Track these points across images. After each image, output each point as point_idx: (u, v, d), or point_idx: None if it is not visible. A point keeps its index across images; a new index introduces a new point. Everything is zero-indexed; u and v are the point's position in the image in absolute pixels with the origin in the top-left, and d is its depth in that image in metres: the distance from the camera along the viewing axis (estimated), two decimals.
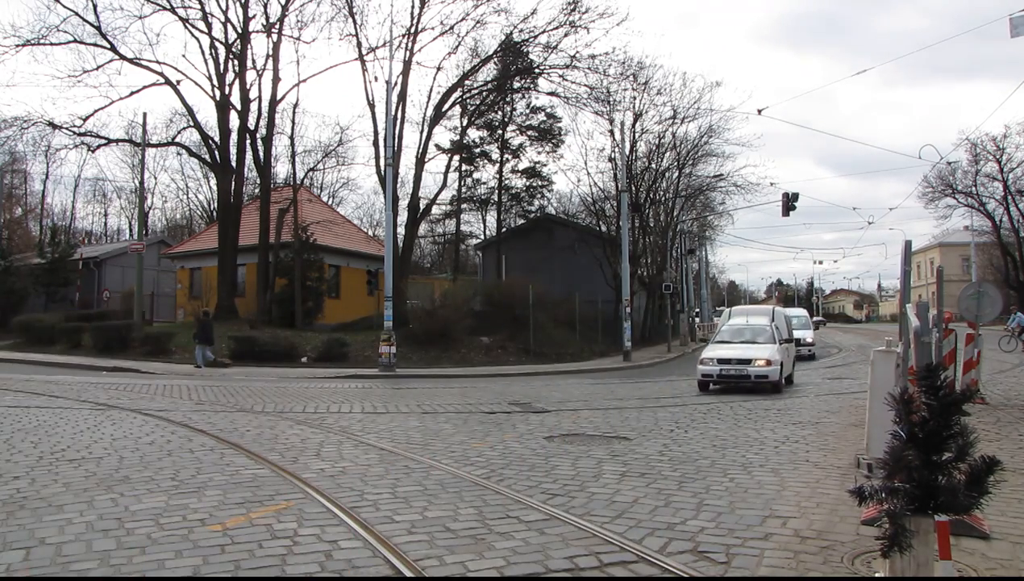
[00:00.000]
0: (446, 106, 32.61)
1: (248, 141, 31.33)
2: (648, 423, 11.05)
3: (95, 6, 28.53)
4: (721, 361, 15.71)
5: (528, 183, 43.28)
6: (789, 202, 28.99)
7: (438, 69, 33.13)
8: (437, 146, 35.90)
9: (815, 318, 61.45)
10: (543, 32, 30.48)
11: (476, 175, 43.36)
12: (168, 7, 29.45)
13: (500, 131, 40.29)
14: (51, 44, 29.02)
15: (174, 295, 37.16)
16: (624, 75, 32.63)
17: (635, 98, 35.25)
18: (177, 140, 35.29)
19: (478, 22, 30.12)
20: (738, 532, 5.38)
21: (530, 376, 21.73)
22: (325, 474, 7.18)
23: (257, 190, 35.49)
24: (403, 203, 31.45)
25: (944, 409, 3.91)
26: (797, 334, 25.86)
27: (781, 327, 18.46)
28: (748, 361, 15.51)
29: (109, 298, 37.18)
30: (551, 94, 34.14)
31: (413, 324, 26.41)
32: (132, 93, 31.72)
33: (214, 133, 31.60)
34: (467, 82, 33.01)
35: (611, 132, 35.41)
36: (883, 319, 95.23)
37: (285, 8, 30.24)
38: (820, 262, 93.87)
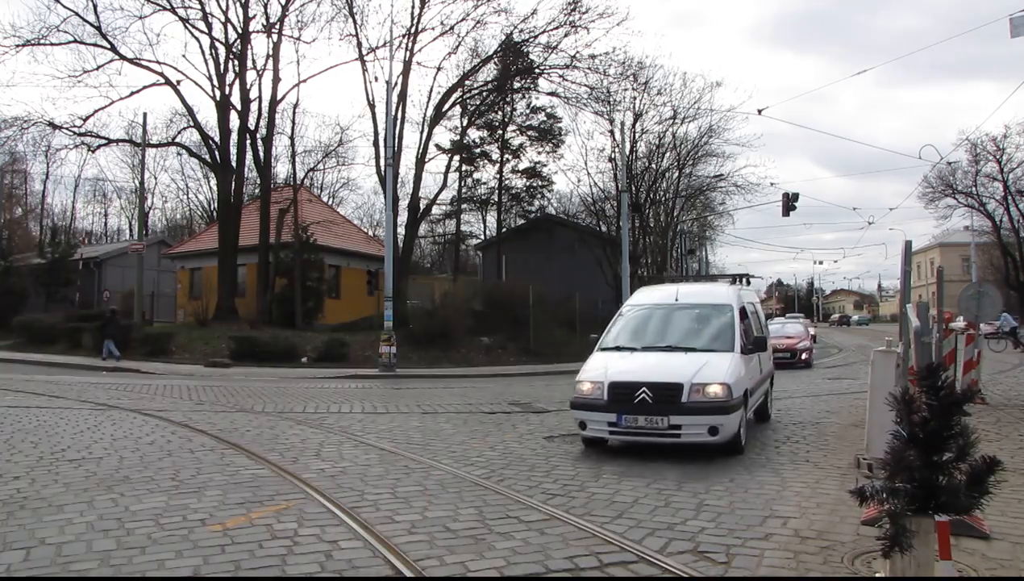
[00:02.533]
0: (446, 106, 32.58)
1: (248, 141, 31.30)
2: None
3: (95, 6, 28.51)
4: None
5: (528, 183, 43.22)
6: (789, 202, 28.93)
7: (438, 69, 33.09)
8: (437, 146, 35.89)
9: (794, 317, 43.00)
10: (543, 32, 30.47)
11: (476, 175, 43.32)
12: (168, 7, 29.42)
13: (500, 131, 40.22)
14: (51, 44, 28.97)
15: (174, 295, 37.14)
16: (624, 75, 32.60)
17: (635, 98, 35.22)
18: (177, 140, 35.30)
19: (478, 22, 30.10)
20: (738, 532, 5.38)
21: (530, 376, 21.70)
22: (325, 474, 7.19)
23: (257, 190, 35.47)
24: (403, 203, 31.43)
25: (945, 409, 3.91)
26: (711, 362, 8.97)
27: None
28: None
29: (109, 298, 37.12)
30: (551, 94, 34.13)
31: (413, 324, 26.38)
32: (132, 93, 31.74)
33: (214, 133, 31.60)
34: (467, 82, 32.97)
35: (611, 132, 35.39)
36: (883, 319, 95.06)
37: (285, 8, 30.25)
38: (820, 262, 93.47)
